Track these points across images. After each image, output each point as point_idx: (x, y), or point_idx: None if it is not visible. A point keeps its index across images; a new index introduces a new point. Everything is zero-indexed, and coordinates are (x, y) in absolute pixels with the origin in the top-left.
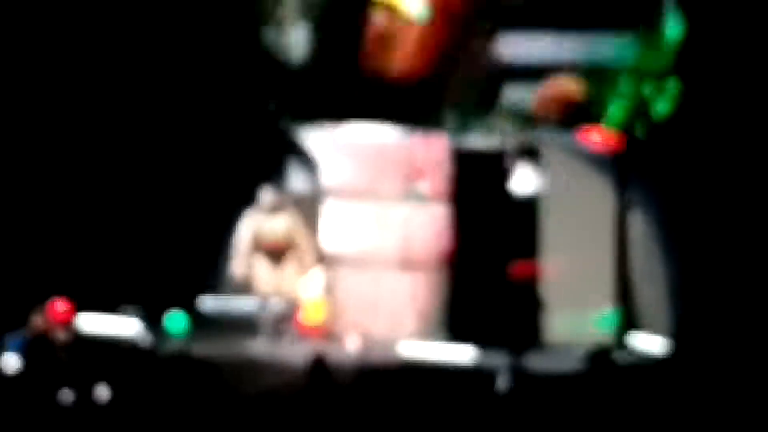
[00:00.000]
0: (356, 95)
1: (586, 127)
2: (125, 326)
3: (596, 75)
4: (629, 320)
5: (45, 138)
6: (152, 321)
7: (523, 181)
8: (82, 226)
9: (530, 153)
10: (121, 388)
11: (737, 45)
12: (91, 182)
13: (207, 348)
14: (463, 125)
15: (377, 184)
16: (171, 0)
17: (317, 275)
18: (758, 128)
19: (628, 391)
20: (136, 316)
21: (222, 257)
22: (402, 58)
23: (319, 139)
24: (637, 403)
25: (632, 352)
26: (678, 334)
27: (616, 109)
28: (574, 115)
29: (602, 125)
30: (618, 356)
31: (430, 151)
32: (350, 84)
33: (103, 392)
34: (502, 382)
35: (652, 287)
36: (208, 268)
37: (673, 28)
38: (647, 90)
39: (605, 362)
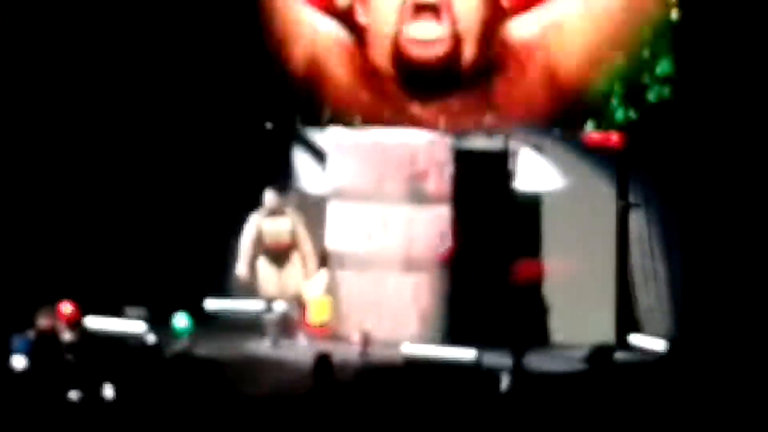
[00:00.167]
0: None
1: (588, 125)
2: (131, 326)
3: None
4: (630, 320)
5: (53, 142)
6: (157, 321)
7: (526, 181)
8: (89, 228)
9: (533, 152)
10: (127, 388)
11: (737, 45)
12: (99, 185)
13: (211, 348)
14: None
15: (381, 185)
16: (179, 5)
17: (320, 276)
18: (759, 129)
19: (629, 391)
20: (142, 316)
21: (226, 258)
22: None
23: (323, 141)
24: (637, 403)
25: (633, 352)
26: (678, 334)
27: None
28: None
29: (603, 123)
30: (619, 356)
31: (433, 152)
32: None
33: (108, 392)
34: (504, 383)
35: (652, 287)
36: (213, 269)
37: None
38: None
39: (606, 362)
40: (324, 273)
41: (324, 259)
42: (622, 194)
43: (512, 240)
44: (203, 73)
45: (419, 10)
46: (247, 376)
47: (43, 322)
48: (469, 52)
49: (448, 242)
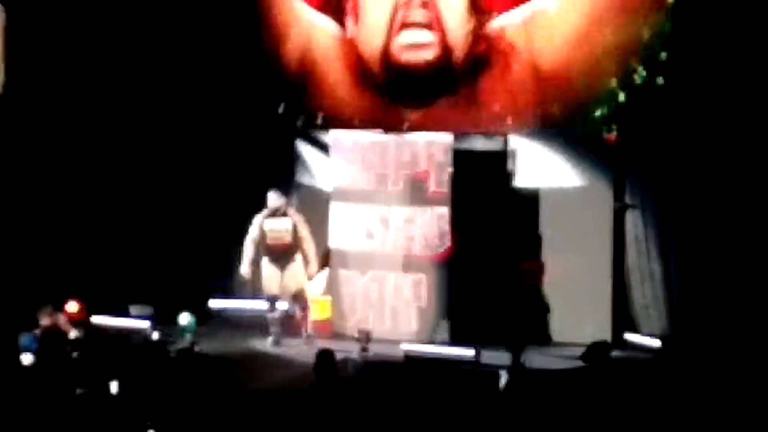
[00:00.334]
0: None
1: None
2: (136, 324)
3: None
4: (626, 319)
5: (59, 143)
6: (162, 319)
7: (524, 181)
8: (95, 226)
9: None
10: (131, 385)
11: (734, 44)
12: (105, 185)
13: (215, 346)
14: None
15: (380, 186)
16: (181, 6)
17: (322, 275)
18: (754, 131)
19: (625, 389)
20: (147, 314)
21: (231, 257)
22: None
23: (324, 142)
24: (633, 401)
25: (629, 351)
26: (673, 332)
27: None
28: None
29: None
30: (615, 354)
31: (432, 153)
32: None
33: (113, 389)
34: (502, 380)
35: (648, 287)
36: (217, 268)
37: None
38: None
39: (602, 360)
40: (325, 272)
41: (326, 258)
42: (618, 195)
43: (511, 240)
44: (205, 73)
45: (409, 26)
46: (250, 374)
47: (44, 320)
48: (457, 56)
49: (447, 242)
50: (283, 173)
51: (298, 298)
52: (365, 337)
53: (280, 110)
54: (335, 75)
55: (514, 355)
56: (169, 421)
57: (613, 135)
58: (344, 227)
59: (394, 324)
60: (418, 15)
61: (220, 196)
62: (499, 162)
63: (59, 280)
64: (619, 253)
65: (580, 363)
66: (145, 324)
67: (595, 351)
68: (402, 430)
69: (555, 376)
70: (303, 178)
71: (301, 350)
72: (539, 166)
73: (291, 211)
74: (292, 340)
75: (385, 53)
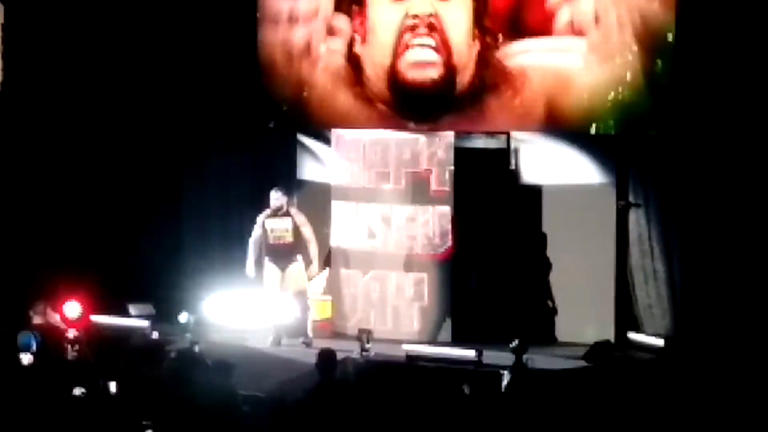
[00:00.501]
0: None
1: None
2: (135, 323)
3: None
4: (629, 318)
5: (58, 145)
6: (162, 318)
7: (527, 180)
8: (94, 226)
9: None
10: (130, 384)
11: (735, 46)
12: (106, 184)
13: (215, 345)
14: None
15: (382, 184)
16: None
17: (322, 275)
18: (757, 129)
19: (628, 388)
20: (146, 313)
21: (231, 256)
22: None
23: (326, 141)
24: (636, 400)
25: (632, 350)
26: (677, 332)
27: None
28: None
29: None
30: (618, 354)
31: (434, 151)
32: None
33: (112, 388)
34: (505, 380)
35: (652, 286)
36: (219, 266)
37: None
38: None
39: (606, 359)
40: (327, 271)
41: (327, 257)
42: (621, 194)
43: (513, 239)
44: (205, 70)
45: (415, 47)
46: (250, 373)
47: (37, 318)
48: (462, 77)
49: (449, 241)
50: (285, 171)
51: (299, 298)
52: (366, 337)
53: (271, 125)
54: (339, 91)
55: (516, 355)
56: (169, 421)
57: None
58: (345, 226)
59: (396, 324)
60: (425, 38)
61: (220, 195)
62: (501, 160)
63: (58, 279)
64: (622, 252)
65: (583, 363)
66: (144, 323)
67: (598, 350)
68: (403, 430)
69: (558, 375)
70: (304, 176)
71: (301, 350)
72: (542, 165)
73: (293, 210)
74: (292, 340)
75: (392, 72)
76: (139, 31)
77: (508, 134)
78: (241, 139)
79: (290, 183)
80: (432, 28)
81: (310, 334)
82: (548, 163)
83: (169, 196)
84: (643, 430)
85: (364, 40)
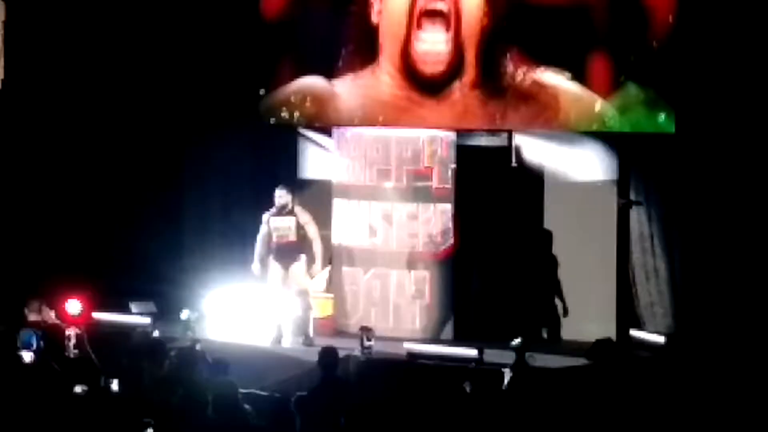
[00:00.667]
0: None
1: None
2: (137, 321)
3: None
4: (631, 316)
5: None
6: (163, 316)
7: (529, 177)
8: (96, 223)
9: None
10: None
11: (736, 47)
12: (107, 182)
13: (216, 343)
14: None
15: (384, 182)
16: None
17: (325, 272)
18: (758, 127)
19: (630, 387)
20: (148, 311)
21: (232, 254)
22: None
23: (327, 138)
24: (638, 398)
25: (634, 348)
26: (678, 330)
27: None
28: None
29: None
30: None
31: (436, 149)
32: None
33: (114, 386)
34: (506, 378)
35: (653, 284)
36: (220, 264)
37: None
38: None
39: (607, 357)
40: (329, 269)
41: (329, 256)
42: (623, 192)
43: (515, 236)
44: (205, 68)
45: (428, 14)
46: (251, 371)
47: (32, 315)
48: (469, 73)
49: (450, 239)
50: (286, 169)
51: (301, 297)
52: (367, 335)
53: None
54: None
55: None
56: (170, 419)
57: None
58: (346, 224)
59: (397, 322)
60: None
61: (221, 192)
62: (503, 158)
63: (60, 277)
64: (623, 250)
65: (584, 360)
66: (146, 321)
67: (599, 348)
68: (404, 429)
69: (559, 373)
70: (306, 174)
71: (302, 349)
72: (543, 163)
73: (298, 209)
74: (293, 339)
75: (405, 46)
76: (140, 28)
77: (509, 132)
78: (242, 135)
79: (291, 181)
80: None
81: (311, 333)
82: (550, 161)
83: (170, 194)
84: (645, 428)
85: (380, 10)
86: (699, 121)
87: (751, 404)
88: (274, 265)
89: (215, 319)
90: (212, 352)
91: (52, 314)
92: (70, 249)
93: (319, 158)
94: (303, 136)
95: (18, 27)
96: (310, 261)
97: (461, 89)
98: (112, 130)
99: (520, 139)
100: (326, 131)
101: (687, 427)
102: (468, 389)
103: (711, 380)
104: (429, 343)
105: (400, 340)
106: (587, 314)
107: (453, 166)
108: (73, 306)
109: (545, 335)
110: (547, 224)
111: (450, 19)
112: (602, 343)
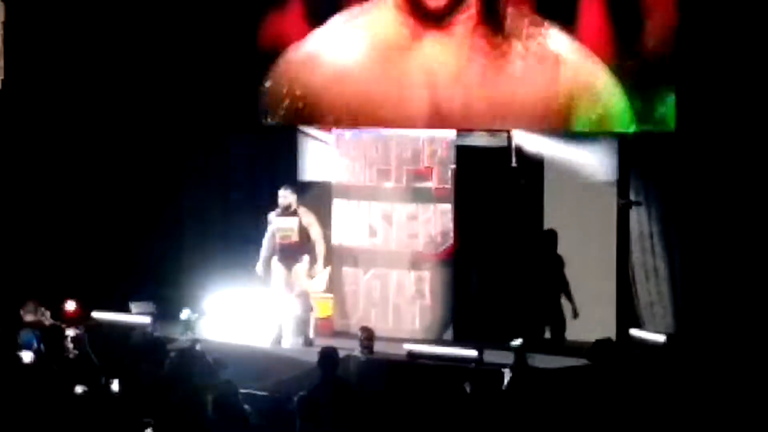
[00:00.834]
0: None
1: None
2: (137, 321)
3: None
4: (631, 316)
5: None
6: (163, 316)
7: (528, 177)
8: (96, 225)
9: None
10: (131, 382)
11: (736, 47)
12: (107, 182)
13: (216, 344)
14: None
15: (383, 182)
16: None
17: (326, 272)
18: (758, 127)
19: (630, 386)
20: (148, 311)
21: (232, 254)
22: None
23: (327, 139)
24: (638, 398)
25: (634, 348)
26: (678, 330)
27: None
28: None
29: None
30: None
31: (435, 150)
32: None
33: (113, 386)
34: (506, 379)
35: (653, 284)
36: (220, 265)
37: None
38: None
39: (607, 357)
40: (329, 269)
41: (329, 256)
42: (622, 192)
43: (514, 237)
44: (206, 67)
45: None
46: (251, 372)
47: (28, 316)
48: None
49: (450, 239)
50: (286, 170)
51: (302, 298)
52: (367, 336)
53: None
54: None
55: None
56: (169, 419)
57: None
58: (346, 224)
59: (397, 322)
60: None
61: (221, 192)
62: (502, 158)
63: (60, 278)
64: (623, 250)
65: (584, 360)
66: (146, 321)
67: (599, 348)
68: (405, 429)
69: (559, 374)
70: (305, 176)
71: (302, 349)
72: (543, 163)
73: (302, 209)
74: (293, 339)
75: None
76: (140, 29)
77: (509, 132)
78: (241, 136)
79: (291, 182)
80: None
81: (311, 334)
82: (549, 161)
83: (170, 194)
84: (645, 428)
85: None
86: (699, 121)
87: (751, 404)
88: (277, 266)
89: (215, 319)
90: (212, 352)
91: (48, 314)
92: (70, 249)
93: (319, 160)
94: (303, 133)
95: (18, 27)
96: (312, 262)
97: (465, 24)
98: (111, 131)
99: (519, 139)
100: (326, 127)
101: (687, 427)
102: (468, 389)
103: (711, 380)
104: (429, 344)
105: (400, 340)
106: (587, 314)
107: (453, 166)
108: (70, 306)
109: (548, 336)
110: (547, 224)
111: None
112: (602, 343)
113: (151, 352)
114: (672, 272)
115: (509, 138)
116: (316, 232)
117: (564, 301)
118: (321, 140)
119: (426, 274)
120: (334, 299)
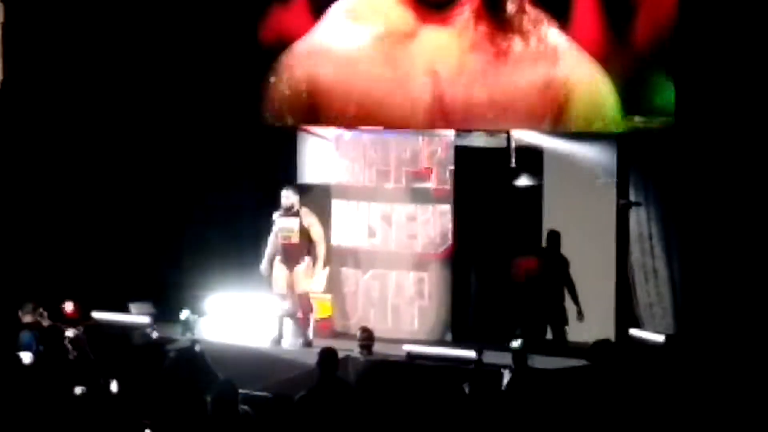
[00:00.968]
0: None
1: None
2: (136, 322)
3: None
4: (630, 317)
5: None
6: (162, 317)
7: (527, 178)
8: (96, 225)
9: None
10: (131, 383)
11: (736, 42)
12: (107, 183)
13: (215, 344)
14: None
15: (383, 183)
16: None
17: (325, 273)
18: (758, 128)
19: (629, 387)
20: (147, 312)
21: (232, 255)
22: None
23: (327, 140)
24: (637, 398)
25: (633, 348)
26: (678, 330)
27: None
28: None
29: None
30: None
31: (434, 150)
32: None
33: (113, 387)
34: (505, 379)
35: (652, 285)
36: (220, 266)
37: None
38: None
39: (606, 358)
40: (329, 270)
41: (329, 257)
42: (622, 193)
43: (513, 237)
44: (206, 67)
45: None
46: (251, 373)
47: (27, 317)
48: None
49: (449, 240)
50: (286, 171)
51: (303, 299)
52: (367, 336)
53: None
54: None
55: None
56: (169, 419)
57: None
58: (346, 225)
59: (396, 323)
60: None
61: (221, 194)
62: (501, 159)
63: (59, 279)
64: (623, 251)
65: (583, 361)
66: (145, 322)
67: (598, 349)
68: (404, 430)
69: (558, 374)
70: (305, 177)
71: (301, 350)
72: (542, 163)
73: (304, 210)
74: (293, 340)
75: None
76: (140, 30)
77: (508, 133)
78: (242, 138)
79: (295, 182)
80: None
81: (310, 334)
82: (548, 162)
83: (170, 195)
84: (645, 428)
85: None
86: (699, 121)
87: (750, 404)
88: (279, 266)
89: (215, 320)
90: (212, 353)
91: (46, 315)
92: (69, 250)
93: (318, 161)
94: (304, 131)
95: (17, 27)
96: (313, 262)
97: (465, 16)
98: (111, 131)
99: (518, 140)
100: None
101: (687, 427)
102: (467, 390)
103: (710, 380)
104: (428, 344)
105: (400, 341)
106: (586, 315)
107: (452, 167)
108: (70, 307)
109: (550, 337)
110: (547, 224)
111: None
112: (601, 344)
113: (151, 352)
114: (671, 273)
115: (508, 138)
116: (317, 232)
117: (568, 302)
118: (321, 137)
119: (425, 275)
120: (333, 300)
